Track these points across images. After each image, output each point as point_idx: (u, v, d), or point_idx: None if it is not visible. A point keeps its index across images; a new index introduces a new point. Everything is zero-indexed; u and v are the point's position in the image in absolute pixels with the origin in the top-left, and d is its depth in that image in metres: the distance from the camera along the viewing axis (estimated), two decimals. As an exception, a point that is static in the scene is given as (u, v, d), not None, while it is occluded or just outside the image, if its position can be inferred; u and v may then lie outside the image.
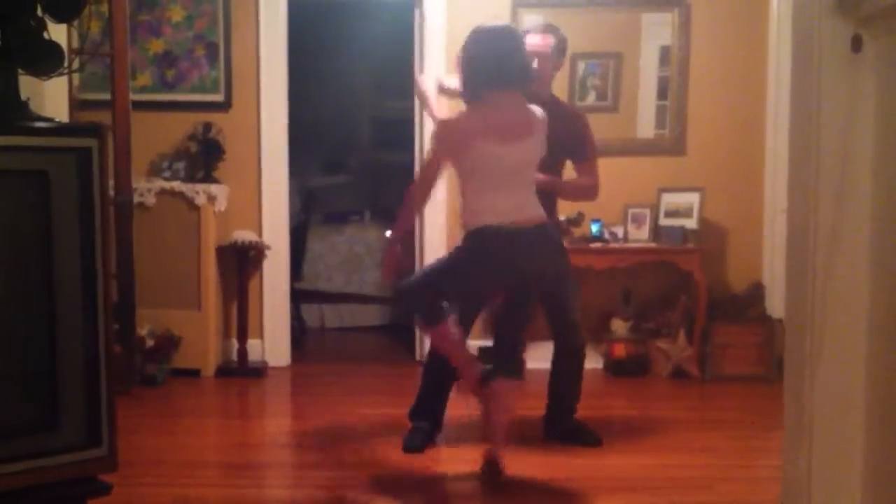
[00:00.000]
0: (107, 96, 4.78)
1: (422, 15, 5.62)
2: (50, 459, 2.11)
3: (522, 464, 3.69)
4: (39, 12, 2.39)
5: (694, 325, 5.28)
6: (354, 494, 3.37)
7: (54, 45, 2.40)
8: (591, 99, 5.64)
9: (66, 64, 2.46)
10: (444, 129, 3.53)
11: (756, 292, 5.47)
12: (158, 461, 3.68)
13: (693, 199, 5.44)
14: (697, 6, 5.57)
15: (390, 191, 7.31)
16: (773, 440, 3.85)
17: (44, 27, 2.39)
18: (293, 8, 5.62)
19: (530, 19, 5.55)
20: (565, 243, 5.30)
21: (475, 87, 3.49)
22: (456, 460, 3.86)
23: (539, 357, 5.53)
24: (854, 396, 2.31)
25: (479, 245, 3.41)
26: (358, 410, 4.58)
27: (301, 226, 6.49)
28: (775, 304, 5.33)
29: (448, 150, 3.47)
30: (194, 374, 5.19)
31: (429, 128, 5.58)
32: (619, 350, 5.41)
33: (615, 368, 5.40)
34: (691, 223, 5.39)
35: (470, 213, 3.48)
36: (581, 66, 5.62)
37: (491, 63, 3.47)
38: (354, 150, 8.39)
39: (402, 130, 6.31)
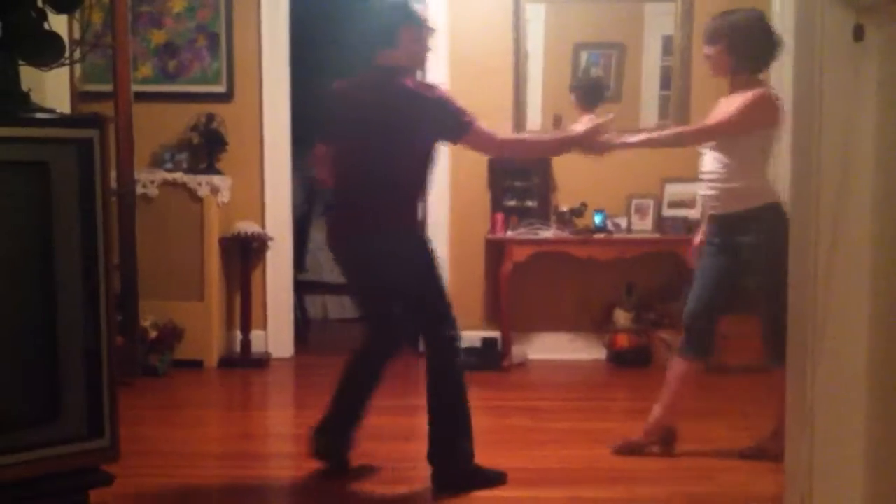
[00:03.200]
0: (108, 88, 4.78)
1: (425, 6, 5.59)
2: (52, 450, 2.12)
3: (518, 456, 3.70)
4: (40, 3, 2.39)
5: (696, 315, 5.27)
6: (355, 484, 3.37)
7: (55, 36, 2.40)
8: (593, 89, 5.62)
9: (67, 55, 2.45)
10: (773, 100, 3.57)
11: (759, 283, 5.46)
12: (161, 452, 3.69)
13: (696, 189, 5.42)
14: (700, -4, 5.56)
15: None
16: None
17: (45, 18, 2.39)
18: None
19: (532, 9, 5.55)
20: (567, 233, 5.31)
21: (757, 67, 3.66)
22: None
23: (545, 348, 5.55)
24: (855, 387, 2.31)
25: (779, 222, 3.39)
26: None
27: (304, 217, 6.48)
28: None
29: (772, 120, 3.55)
30: (197, 365, 5.19)
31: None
32: (622, 341, 5.42)
33: (618, 359, 5.41)
34: (695, 213, 5.38)
35: (760, 189, 3.56)
36: (584, 56, 5.61)
37: (771, 43, 3.66)
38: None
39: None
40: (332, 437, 3.48)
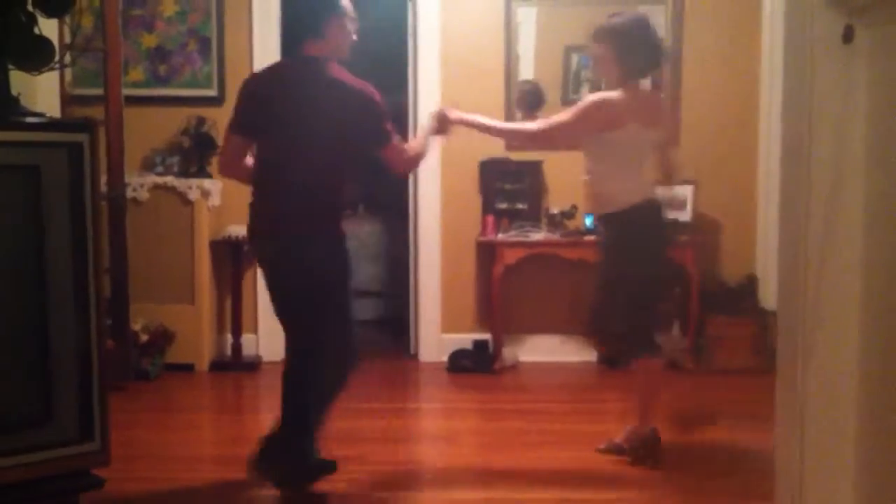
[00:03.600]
0: (99, 91, 4.76)
1: (415, 9, 5.61)
2: (43, 454, 2.11)
3: (509, 458, 3.70)
4: (30, 7, 2.38)
5: (687, 317, 5.29)
6: (345, 487, 3.37)
7: (45, 40, 2.40)
8: (584, 92, 5.63)
9: (57, 59, 2.45)
10: (605, 103, 3.58)
11: (749, 284, 5.48)
12: (152, 455, 3.69)
13: (686, 191, 5.44)
14: (690, -1, 5.58)
15: (384, 184, 7.30)
16: (766, 431, 3.87)
17: (35, 22, 2.38)
18: (286, 2, 5.60)
19: (523, 11, 5.56)
20: (558, 236, 5.32)
21: (632, 72, 3.62)
22: (448, 455, 3.87)
23: (536, 351, 5.55)
24: (846, 388, 2.31)
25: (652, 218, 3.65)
26: (350, 404, 4.56)
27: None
28: (769, 296, 5.33)
29: (601, 123, 3.54)
30: (188, 368, 5.18)
31: (424, 121, 5.57)
32: (614, 343, 5.42)
33: (608, 361, 5.41)
34: (685, 216, 5.40)
35: (632, 189, 3.60)
36: (574, 59, 5.62)
37: (648, 50, 3.68)
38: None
39: (396, 124, 6.28)
40: (275, 461, 3.29)
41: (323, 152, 3.22)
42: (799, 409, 2.41)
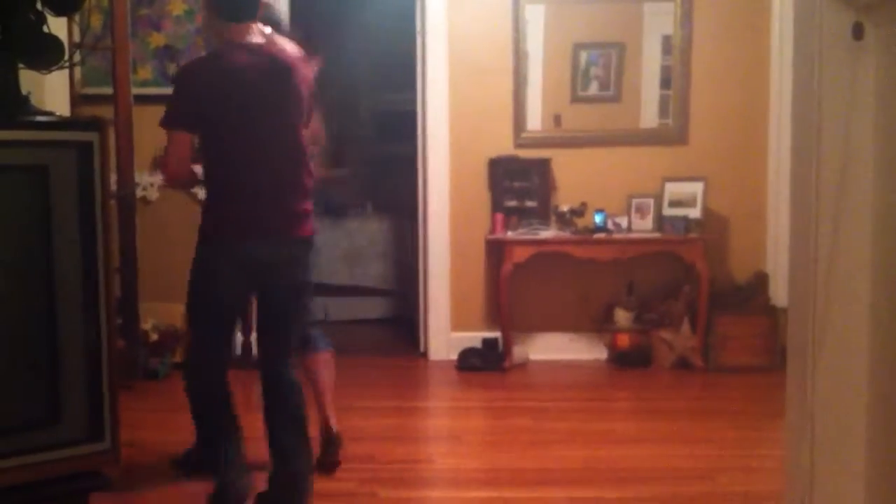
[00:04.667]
0: (108, 91, 4.78)
1: (423, 8, 5.60)
2: (53, 454, 2.11)
3: (518, 456, 3.70)
4: (39, 6, 2.38)
5: (697, 315, 5.28)
6: (355, 486, 3.37)
7: (54, 39, 2.39)
8: (593, 89, 5.63)
9: (66, 57, 2.45)
10: None
11: (759, 282, 5.47)
12: (161, 455, 3.69)
13: (696, 188, 5.43)
14: (699, -5, 5.56)
15: (392, 183, 7.31)
16: (776, 430, 3.86)
17: (44, 21, 2.38)
18: (294, 1, 5.61)
19: (532, 9, 5.55)
20: (567, 233, 5.31)
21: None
22: (457, 454, 3.87)
23: (546, 349, 5.55)
24: (857, 385, 2.30)
25: None
26: (360, 403, 4.58)
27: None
28: (779, 294, 5.32)
29: None
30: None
31: (433, 119, 5.59)
32: (623, 341, 5.41)
33: (618, 359, 5.40)
34: (695, 213, 5.38)
35: None
36: (583, 56, 5.61)
37: None
38: (356, 142, 8.37)
39: (404, 123, 6.30)
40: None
41: (299, 139, 3.08)
42: (809, 407, 2.40)
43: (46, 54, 2.34)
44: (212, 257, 3.07)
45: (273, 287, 3.10)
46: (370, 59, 7.82)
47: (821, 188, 2.31)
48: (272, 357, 3.25)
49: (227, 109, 2.97)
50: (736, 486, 3.38)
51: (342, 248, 7.07)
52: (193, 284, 3.12)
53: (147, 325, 4.97)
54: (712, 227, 5.48)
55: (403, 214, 6.60)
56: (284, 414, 3.19)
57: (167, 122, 3.04)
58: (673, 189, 5.47)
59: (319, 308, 6.85)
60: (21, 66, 2.35)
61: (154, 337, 4.99)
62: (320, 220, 7.17)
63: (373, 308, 7.10)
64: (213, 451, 3.16)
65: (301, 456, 3.11)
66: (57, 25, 2.52)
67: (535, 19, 5.58)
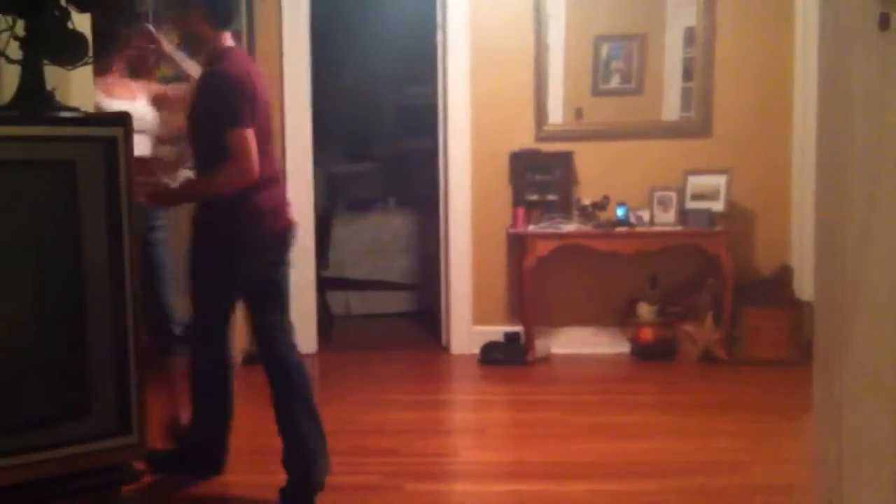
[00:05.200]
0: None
1: (444, 0, 5.59)
2: (81, 447, 2.13)
3: (542, 449, 3.70)
4: (63, 2, 2.40)
5: (721, 308, 5.25)
6: (380, 479, 3.38)
7: (79, 35, 2.41)
8: (614, 82, 5.60)
9: (90, 54, 2.47)
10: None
11: (784, 275, 5.43)
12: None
13: (720, 181, 5.39)
14: (722, -13, 5.52)
15: (415, 177, 7.32)
16: (801, 423, 3.85)
17: (68, 17, 2.40)
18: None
19: (553, 3, 5.52)
20: (589, 227, 5.29)
21: None
22: (480, 447, 3.87)
23: (569, 343, 5.54)
24: (885, 378, 2.28)
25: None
26: (383, 397, 4.60)
27: (326, 214, 6.50)
28: (804, 287, 5.28)
29: None
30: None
31: (454, 113, 5.58)
32: (646, 334, 5.39)
33: (642, 353, 5.38)
34: (718, 206, 5.35)
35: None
36: (605, 48, 5.58)
37: None
38: (378, 136, 8.39)
39: (426, 117, 6.30)
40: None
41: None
42: (837, 399, 2.38)
43: (71, 51, 2.37)
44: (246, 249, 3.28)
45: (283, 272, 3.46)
46: (392, 54, 7.83)
47: (848, 179, 2.28)
48: (277, 339, 3.40)
49: (263, 109, 3.21)
50: (760, 478, 3.37)
51: (365, 243, 7.08)
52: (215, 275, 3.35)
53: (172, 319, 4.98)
54: (736, 220, 5.44)
55: (426, 208, 6.60)
56: (299, 399, 3.31)
57: (244, 122, 3.07)
58: (696, 182, 5.44)
59: (340, 302, 6.92)
60: (46, 62, 2.37)
61: (178, 331, 5.00)
62: (344, 215, 7.25)
63: (395, 302, 7.11)
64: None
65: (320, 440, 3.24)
66: (81, 21, 2.54)
67: (557, 12, 5.56)
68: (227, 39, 3.24)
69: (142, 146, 3.36)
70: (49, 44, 2.31)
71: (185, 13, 3.22)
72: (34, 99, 2.28)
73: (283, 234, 3.36)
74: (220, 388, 3.47)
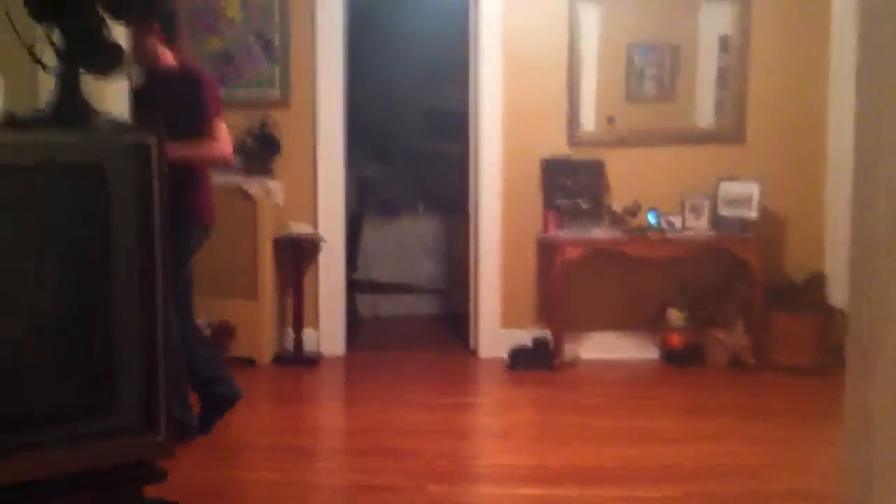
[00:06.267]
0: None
1: (477, 6, 5.62)
2: (107, 444, 2.17)
3: (571, 453, 3.70)
4: (100, 12, 2.45)
5: (750, 313, 5.22)
6: (403, 480, 3.40)
7: (114, 45, 2.46)
8: (647, 88, 5.59)
9: (125, 63, 2.52)
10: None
11: (815, 281, 5.38)
12: (212, 447, 3.76)
13: (753, 188, 5.36)
14: (757, -7, 5.49)
15: (443, 181, 7.35)
16: (829, 430, 3.82)
17: (104, 26, 2.45)
18: (349, 2, 5.66)
19: (586, 10, 5.53)
20: (620, 233, 5.28)
21: None
22: (504, 450, 3.89)
23: (597, 347, 5.54)
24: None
25: None
26: (409, 398, 4.63)
27: (355, 217, 6.55)
28: (835, 293, 5.24)
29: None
30: (250, 362, 5.28)
31: (485, 119, 5.60)
32: (675, 339, 5.38)
33: (671, 358, 5.37)
34: (751, 213, 5.31)
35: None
36: (638, 55, 5.57)
37: None
38: (408, 140, 8.42)
39: (455, 121, 6.32)
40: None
41: None
42: (868, 407, 2.36)
43: (107, 60, 2.41)
44: (203, 235, 3.97)
45: None
46: (422, 58, 7.86)
47: (884, 186, 2.27)
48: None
49: None
50: (784, 485, 3.35)
51: (393, 246, 7.13)
52: (184, 263, 3.83)
53: (200, 320, 5.05)
54: (769, 227, 5.41)
55: (454, 212, 6.63)
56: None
57: (221, 114, 3.87)
58: (728, 189, 5.41)
59: (369, 304, 6.97)
60: (82, 71, 2.42)
61: (207, 332, 5.07)
62: (373, 218, 7.30)
63: (423, 305, 7.14)
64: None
65: None
66: (116, 29, 2.59)
67: (590, 19, 5.57)
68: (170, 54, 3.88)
69: None
70: (85, 52, 2.36)
71: (139, 30, 3.72)
72: (69, 106, 2.32)
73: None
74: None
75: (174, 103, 3.73)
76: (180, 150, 3.54)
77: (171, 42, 3.86)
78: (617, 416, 4.30)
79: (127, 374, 2.18)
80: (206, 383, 3.92)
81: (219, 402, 3.94)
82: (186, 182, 3.72)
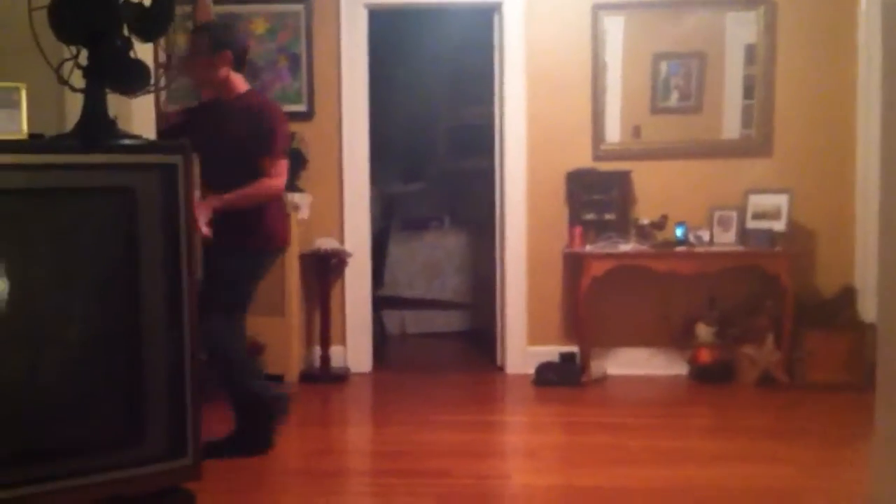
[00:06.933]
0: (192, 108, 4.88)
1: (501, 21, 5.61)
2: (136, 470, 2.17)
3: (598, 474, 3.66)
4: (126, 32, 2.46)
5: (781, 330, 5.15)
6: (432, 501, 3.37)
7: (141, 64, 2.47)
8: (673, 99, 5.55)
9: (152, 82, 2.53)
10: None
11: (846, 296, 5.31)
12: (239, 467, 3.74)
13: (781, 200, 5.30)
14: (783, 4, 5.44)
15: (469, 197, 7.33)
16: (862, 451, 3.75)
17: (130, 46, 2.46)
18: (373, 17, 5.68)
19: (611, 21, 5.51)
20: (647, 247, 5.24)
21: None
22: (532, 470, 3.84)
23: (625, 364, 5.48)
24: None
25: None
26: (436, 417, 4.59)
27: (381, 233, 6.55)
28: (867, 309, 5.16)
29: None
30: (277, 380, 5.26)
31: (510, 133, 5.58)
32: (704, 356, 5.32)
33: (700, 374, 5.30)
34: (779, 226, 5.26)
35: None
36: (663, 66, 5.54)
37: None
38: (433, 156, 8.42)
39: (481, 136, 6.31)
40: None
41: None
42: (897, 428, 2.31)
43: (133, 79, 2.43)
44: (271, 261, 4.01)
45: None
46: (446, 74, 7.86)
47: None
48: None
49: None
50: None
51: (420, 262, 7.11)
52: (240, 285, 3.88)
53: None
54: (798, 240, 5.34)
55: (481, 228, 6.61)
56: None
57: (285, 154, 3.91)
58: (757, 201, 5.36)
59: (396, 321, 6.95)
60: (109, 90, 2.43)
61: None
62: (399, 234, 7.29)
63: (450, 321, 7.12)
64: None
65: None
66: (143, 48, 2.60)
67: (614, 30, 5.54)
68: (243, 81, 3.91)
69: None
70: (111, 73, 2.38)
71: (210, 59, 3.79)
72: (96, 127, 2.34)
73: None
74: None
75: (240, 130, 3.78)
76: (230, 200, 3.71)
77: (239, 71, 3.90)
78: (647, 436, 4.24)
79: (156, 399, 2.18)
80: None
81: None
82: (250, 209, 3.78)
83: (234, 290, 3.86)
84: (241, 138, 3.76)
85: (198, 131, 3.79)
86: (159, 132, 4.01)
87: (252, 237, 3.84)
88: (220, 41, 3.82)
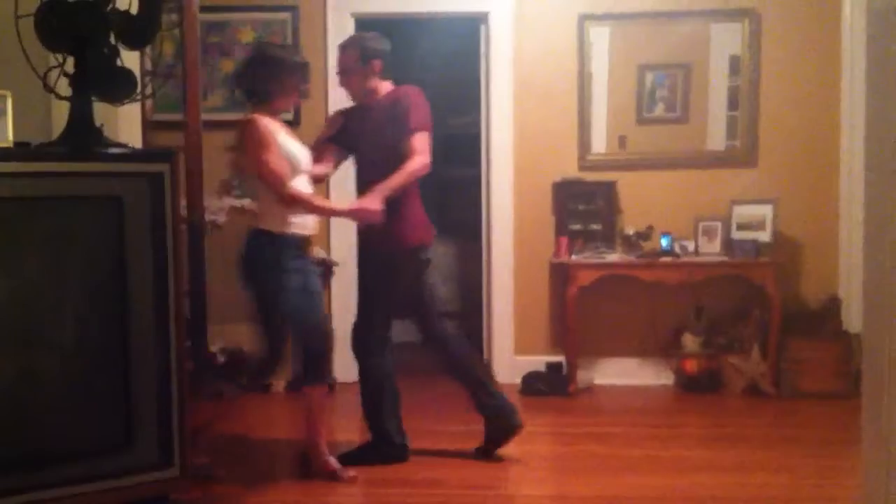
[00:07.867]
0: (179, 116, 4.85)
1: (487, 31, 5.62)
2: (124, 480, 2.15)
3: (588, 484, 3.65)
4: (113, 40, 2.45)
5: (768, 339, 5.16)
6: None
7: (127, 72, 2.47)
8: (659, 110, 5.58)
9: (138, 90, 2.52)
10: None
11: (832, 306, 5.33)
12: (227, 475, 3.72)
13: (766, 211, 5.32)
14: (768, 15, 5.48)
15: (456, 206, 7.32)
16: (850, 458, 3.76)
17: (117, 54, 2.45)
18: (359, 26, 5.67)
19: (597, 32, 5.53)
20: (633, 257, 5.25)
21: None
22: (522, 480, 3.83)
23: (612, 373, 5.48)
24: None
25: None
26: (426, 426, 4.58)
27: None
28: (852, 318, 5.18)
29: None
30: (265, 389, 5.24)
31: (497, 142, 5.58)
32: (691, 366, 5.32)
33: (686, 384, 5.31)
34: (764, 236, 5.28)
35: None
36: (649, 77, 5.56)
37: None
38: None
39: (467, 146, 6.31)
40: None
41: None
42: (885, 434, 2.32)
43: (119, 87, 2.42)
44: (415, 259, 4.10)
45: None
46: (434, 84, 7.84)
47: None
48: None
49: None
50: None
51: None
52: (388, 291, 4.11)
53: (215, 347, 5.03)
54: (783, 251, 5.37)
55: (467, 237, 6.59)
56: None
57: (425, 126, 3.95)
58: (741, 212, 5.38)
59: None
60: (95, 98, 2.42)
61: (221, 359, 5.05)
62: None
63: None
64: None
65: None
66: (129, 56, 2.59)
67: (600, 41, 5.56)
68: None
69: (303, 185, 3.73)
70: (98, 81, 2.37)
71: (365, 68, 3.95)
72: (83, 135, 2.32)
73: None
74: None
75: (384, 125, 3.88)
76: (385, 191, 3.74)
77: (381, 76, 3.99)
78: (637, 445, 4.24)
79: (143, 409, 2.16)
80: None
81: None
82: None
83: (435, 291, 4.14)
84: (382, 134, 3.87)
85: (351, 134, 3.96)
86: (317, 140, 4.10)
87: (420, 231, 4.05)
88: (368, 53, 3.94)
